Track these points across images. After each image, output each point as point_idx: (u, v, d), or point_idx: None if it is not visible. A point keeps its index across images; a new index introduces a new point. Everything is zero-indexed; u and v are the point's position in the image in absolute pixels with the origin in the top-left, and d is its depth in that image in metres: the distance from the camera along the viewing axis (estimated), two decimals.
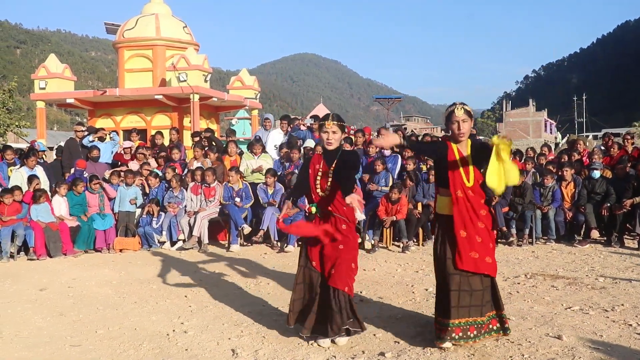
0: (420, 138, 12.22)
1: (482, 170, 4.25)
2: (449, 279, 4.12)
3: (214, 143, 11.42)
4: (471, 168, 4.17)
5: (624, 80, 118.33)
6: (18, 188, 9.15)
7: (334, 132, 4.39)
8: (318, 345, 4.29)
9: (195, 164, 10.51)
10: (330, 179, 4.37)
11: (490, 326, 4.19)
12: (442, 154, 4.22)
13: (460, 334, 4.08)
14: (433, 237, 4.69)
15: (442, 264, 4.21)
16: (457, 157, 4.17)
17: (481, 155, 4.23)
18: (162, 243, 9.62)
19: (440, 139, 4.61)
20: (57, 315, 5.50)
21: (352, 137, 10.62)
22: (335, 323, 4.21)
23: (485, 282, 4.17)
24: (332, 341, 4.32)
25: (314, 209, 4.46)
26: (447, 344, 4.08)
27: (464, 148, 4.21)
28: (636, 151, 10.32)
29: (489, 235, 4.22)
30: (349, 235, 4.38)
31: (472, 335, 4.10)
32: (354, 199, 4.06)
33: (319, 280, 4.36)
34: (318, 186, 4.42)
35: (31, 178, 9.51)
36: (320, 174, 4.43)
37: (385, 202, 9.10)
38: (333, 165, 4.39)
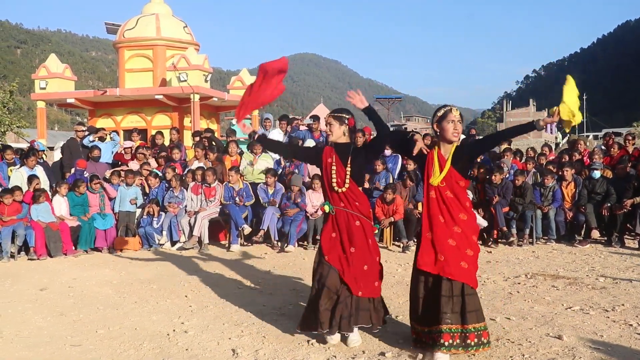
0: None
1: (467, 173, 4.24)
2: (417, 282, 4.12)
3: (214, 143, 11.43)
4: (447, 168, 4.06)
5: (624, 80, 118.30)
6: (18, 188, 9.15)
7: (330, 124, 4.46)
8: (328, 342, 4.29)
9: (196, 164, 10.51)
10: (348, 176, 4.37)
11: (451, 341, 3.88)
12: (425, 156, 4.19)
13: (423, 340, 4.05)
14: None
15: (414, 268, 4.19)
16: (436, 157, 4.12)
17: (465, 154, 4.16)
18: (162, 243, 9.62)
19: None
20: (58, 315, 5.50)
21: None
22: (348, 320, 4.20)
23: (455, 290, 3.92)
24: (344, 341, 4.31)
25: (327, 208, 4.45)
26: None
27: (446, 150, 4.15)
28: (637, 151, 10.32)
29: (467, 241, 4.02)
30: (360, 235, 4.32)
31: (429, 343, 3.97)
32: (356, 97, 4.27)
33: (336, 276, 4.28)
34: (334, 182, 4.39)
35: (31, 178, 9.51)
36: (334, 168, 4.42)
37: (380, 203, 9.11)
38: (349, 162, 4.39)
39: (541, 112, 67.84)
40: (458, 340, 3.90)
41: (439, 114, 4.17)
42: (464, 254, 3.99)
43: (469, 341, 3.90)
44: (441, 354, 3.86)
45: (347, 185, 4.36)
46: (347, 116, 4.47)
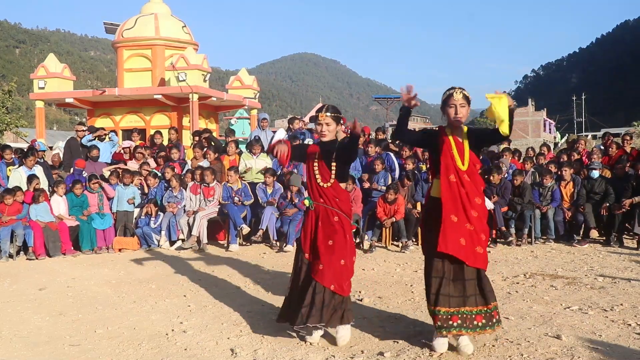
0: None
1: (480, 156, 4.22)
2: (433, 263, 4.05)
3: (212, 143, 11.44)
4: (467, 152, 4.06)
5: (623, 80, 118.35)
6: (19, 189, 9.14)
7: (327, 124, 4.43)
8: (307, 341, 4.32)
9: (196, 164, 10.51)
10: (333, 172, 4.38)
11: (475, 322, 3.95)
12: (435, 140, 4.15)
13: (439, 324, 3.96)
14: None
15: (432, 248, 4.09)
16: (452, 141, 4.09)
17: (479, 138, 4.19)
18: (162, 241, 9.60)
19: (434, 128, 4.46)
20: (57, 314, 5.50)
21: None
22: (319, 316, 4.19)
23: (470, 273, 3.99)
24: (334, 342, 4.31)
25: (307, 202, 4.50)
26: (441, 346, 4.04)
27: (459, 134, 4.12)
28: (635, 151, 10.33)
29: (481, 225, 4.06)
30: (339, 230, 4.34)
31: (455, 324, 3.93)
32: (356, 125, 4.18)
33: (308, 272, 4.34)
34: (318, 177, 4.42)
35: (31, 178, 9.50)
36: (316, 164, 4.43)
37: (382, 203, 9.11)
38: (333, 159, 4.39)
39: (540, 112, 67.85)
40: (484, 321, 3.97)
41: (443, 98, 4.13)
42: (479, 238, 4.03)
43: (494, 319, 4.01)
44: (467, 336, 3.96)
45: (331, 181, 4.38)
46: (341, 116, 4.50)
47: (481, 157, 10.25)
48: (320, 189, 4.40)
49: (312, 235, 4.40)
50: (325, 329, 4.33)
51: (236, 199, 9.58)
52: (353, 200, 8.84)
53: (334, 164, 4.39)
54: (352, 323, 4.40)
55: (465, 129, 4.15)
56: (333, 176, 4.38)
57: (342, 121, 4.50)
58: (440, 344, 4.04)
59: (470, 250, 3.98)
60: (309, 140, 10.93)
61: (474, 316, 3.96)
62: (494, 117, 3.87)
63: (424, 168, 10.17)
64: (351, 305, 4.44)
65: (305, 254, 4.39)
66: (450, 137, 4.11)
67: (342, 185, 4.49)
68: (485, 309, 3.99)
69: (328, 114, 4.44)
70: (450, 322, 3.94)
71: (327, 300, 4.22)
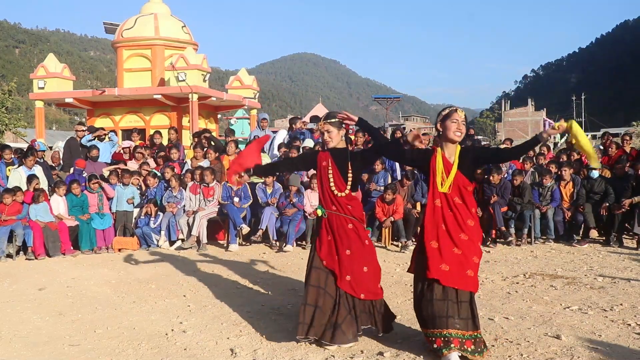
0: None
1: (472, 177, 4.16)
2: (419, 286, 4.03)
3: (213, 143, 11.44)
4: (452, 174, 3.97)
5: (622, 80, 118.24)
6: (19, 189, 9.14)
7: (328, 132, 4.42)
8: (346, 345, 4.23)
9: (197, 164, 10.51)
10: (349, 182, 4.36)
11: (465, 347, 3.81)
12: (426, 161, 4.09)
13: (435, 346, 3.90)
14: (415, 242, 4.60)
15: (420, 272, 4.05)
16: (441, 162, 4.02)
17: (479, 157, 4.18)
18: (162, 241, 9.60)
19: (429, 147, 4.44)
20: (56, 314, 5.50)
21: (352, 137, 10.63)
22: (354, 333, 4.20)
23: (464, 295, 3.87)
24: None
25: (319, 212, 4.45)
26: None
27: (451, 154, 4.06)
28: (634, 151, 10.33)
29: (473, 247, 3.94)
30: (355, 237, 4.31)
31: (436, 347, 3.86)
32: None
33: (333, 282, 4.25)
34: (333, 187, 4.37)
35: (31, 178, 9.50)
36: (330, 172, 4.40)
37: (380, 203, 9.11)
38: (349, 168, 4.37)
39: (540, 112, 67.83)
40: (473, 347, 3.83)
41: (444, 113, 4.11)
42: (471, 261, 3.92)
43: (482, 347, 3.88)
44: (454, 353, 3.79)
45: (347, 191, 4.35)
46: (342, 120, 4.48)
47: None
48: (334, 198, 4.37)
49: (332, 244, 4.33)
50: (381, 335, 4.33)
51: (236, 199, 9.58)
52: None
53: (350, 175, 4.36)
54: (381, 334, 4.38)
55: (458, 148, 4.08)
56: (348, 186, 4.36)
57: (344, 125, 4.48)
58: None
59: (458, 274, 3.86)
60: (309, 141, 10.93)
61: (464, 341, 3.84)
62: (582, 149, 3.97)
63: None
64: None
65: (324, 261, 4.29)
66: (440, 158, 4.04)
67: (354, 193, 4.46)
68: (475, 334, 3.88)
69: (326, 121, 4.44)
70: (435, 346, 3.87)
71: (360, 310, 4.22)
